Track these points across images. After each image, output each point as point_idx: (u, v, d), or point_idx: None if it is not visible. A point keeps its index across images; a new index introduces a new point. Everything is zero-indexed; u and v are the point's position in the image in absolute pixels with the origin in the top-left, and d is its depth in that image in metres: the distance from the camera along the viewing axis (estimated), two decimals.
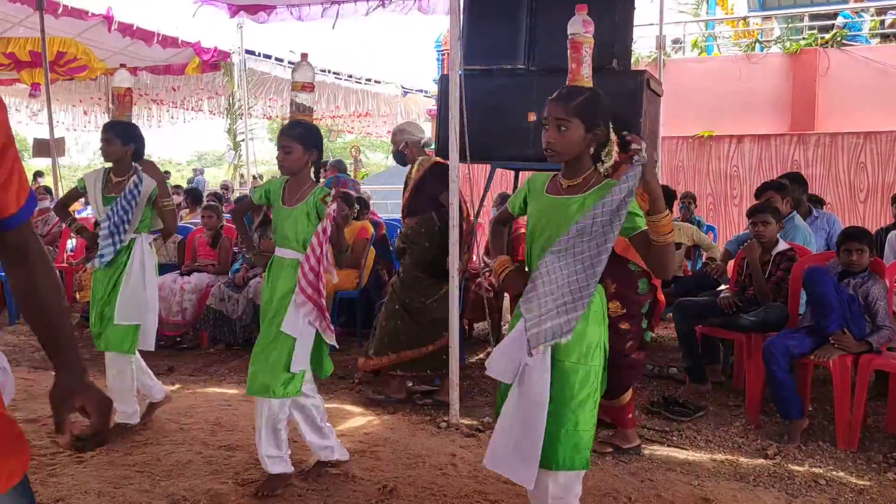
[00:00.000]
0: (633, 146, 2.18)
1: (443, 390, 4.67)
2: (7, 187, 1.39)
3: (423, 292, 4.70)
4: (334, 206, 3.23)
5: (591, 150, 2.33)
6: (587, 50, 2.61)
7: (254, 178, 16.77)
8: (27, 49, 9.32)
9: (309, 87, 3.55)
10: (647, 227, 2.22)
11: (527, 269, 2.46)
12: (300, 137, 3.33)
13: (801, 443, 4.06)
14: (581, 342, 2.29)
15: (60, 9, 8.49)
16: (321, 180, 3.47)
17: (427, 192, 4.67)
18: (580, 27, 2.69)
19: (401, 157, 4.88)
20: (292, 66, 14.58)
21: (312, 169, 3.40)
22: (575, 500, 2.40)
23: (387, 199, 16.28)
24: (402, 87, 16.71)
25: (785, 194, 5.20)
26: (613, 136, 2.34)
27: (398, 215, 5.21)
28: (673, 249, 2.30)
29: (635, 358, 3.79)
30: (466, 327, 6.29)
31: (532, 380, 2.26)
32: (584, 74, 2.60)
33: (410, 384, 4.89)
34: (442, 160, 4.61)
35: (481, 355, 5.91)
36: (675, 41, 12.01)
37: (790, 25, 12.30)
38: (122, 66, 4.31)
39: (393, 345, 4.68)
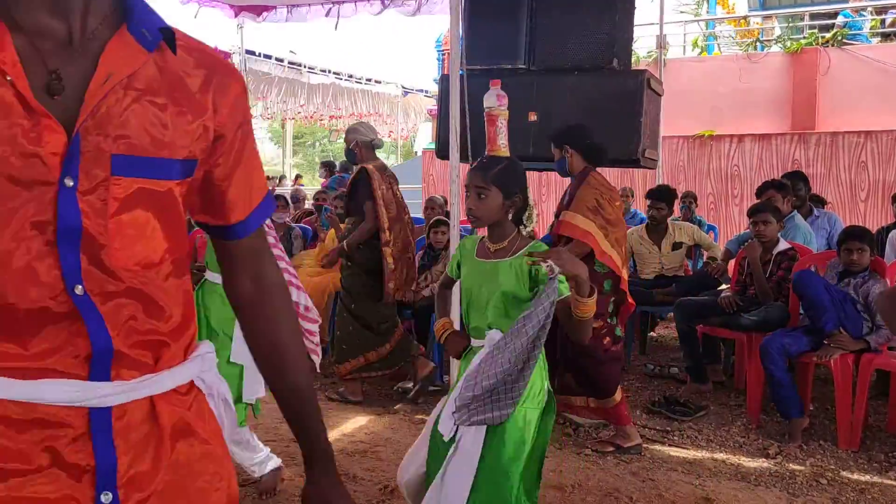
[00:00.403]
0: (545, 266, 2.14)
1: (420, 368, 4.77)
2: (237, 180, 1.10)
3: (367, 295, 4.74)
4: None
5: (510, 215, 2.43)
6: (502, 122, 2.80)
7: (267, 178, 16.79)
8: None
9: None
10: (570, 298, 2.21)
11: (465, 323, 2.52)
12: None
13: (802, 442, 4.06)
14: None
15: None
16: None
17: (357, 197, 4.75)
18: (494, 101, 2.88)
19: (351, 155, 4.89)
20: (293, 66, 14.62)
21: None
22: None
23: None
24: (403, 87, 16.74)
25: (786, 193, 5.19)
26: (532, 202, 2.54)
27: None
28: (590, 325, 2.29)
29: (614, 350, 3.95)
30: None
31: (466, 437, 2.24)
32: (500, 144, 2.80)
33: (396, 387, 4.97)
34: (370, 167, 4.68)
35: None
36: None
37: (791, 25, 12.30)
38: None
39: (353, 350, 4.73)
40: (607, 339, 3.89)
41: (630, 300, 4.02)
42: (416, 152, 21.53)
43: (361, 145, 4.74)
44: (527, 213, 2.52)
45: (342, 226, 5.05)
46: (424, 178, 11.65)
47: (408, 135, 19.82)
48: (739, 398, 4.81)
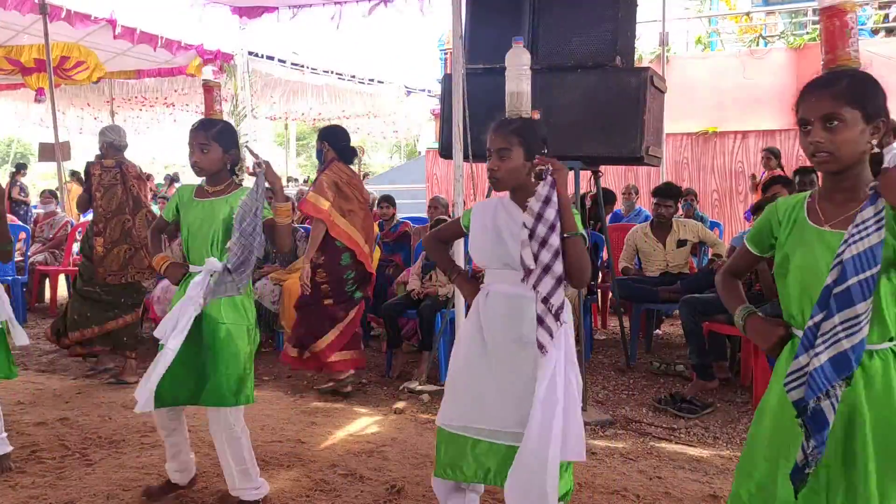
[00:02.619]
0: (254, 164, 2.86)
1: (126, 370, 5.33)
2: None
3: (88, 277, 5.31)
4: None
5: (228, 166, 3.03)
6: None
7: None
8: (31, 56, 9.40)
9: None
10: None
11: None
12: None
13: None
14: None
15: (64, 13, 8.51)
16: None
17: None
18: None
19: (103, 155, 5.35)
20: (295, 67, 14.63)
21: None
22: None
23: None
24: (406, 87, 16.72)
25: (792, 189, 5.20)
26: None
27: (409, 214, 5.28)
28: (287, 231, 3.01)
29: (328, 306, 4.80)
30: None
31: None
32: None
33: (402, 387, 5.02)
34: (93, 164, 5.29)
35: None
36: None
37: (794, 20, 12.27)
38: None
39: (75, 324, 5.27)
40: (329, 300, 4.80)
41: (370, 269, 4.95)
42: (419, 152, 21.54)
43: (107, 146, 5.32)
44: (238, 166, 3.06)
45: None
46: (428, 177, 11.66)
47: (411, 135, 19.81)
48: (746, 395, 4.80)
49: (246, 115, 13.70)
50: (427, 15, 7.20)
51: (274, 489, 3.37)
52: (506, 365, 2.41)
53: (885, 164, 1.85)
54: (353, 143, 5.07)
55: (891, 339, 1.78)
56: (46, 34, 7.06)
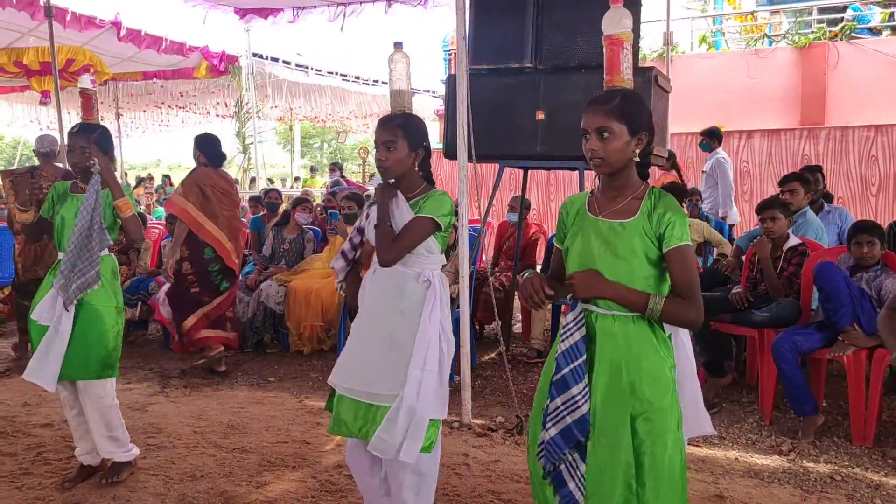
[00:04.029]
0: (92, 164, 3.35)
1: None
2: None
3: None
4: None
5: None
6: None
7: (269, 181, 16.85)
8: (37, 59, 9.44)
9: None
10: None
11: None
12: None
13: (815, 439, 4.04)
14: None
15: (69, 15, 8.53)
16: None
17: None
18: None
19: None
20: (300, 68, 14.64)
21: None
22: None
23: None
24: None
25: (808, 188, 5.22)
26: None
27: None
28: (131, 222, 3.43)
29: (195, 293, 5.37)
30: (477, 328, 6.29)
31: None
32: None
33: None
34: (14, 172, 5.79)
35: (493, 355, 5.91)
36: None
37: (798, 20, 12.24)
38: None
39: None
40: (194, 289, 5.37)
41: (231, 264, 5.44)
42: None
43: (39, 155, 5.89)
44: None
45: (347, 228, 5.59)
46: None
47: None
48: (752, 395, 4.79)
49: (251, 116, 13.73)
50: (430, 10, 7.20)
51: (279, 490, 3.37)
52: (386, 334, 2.64)
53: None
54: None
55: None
56: (52, 37, 7.09)
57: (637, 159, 2.15)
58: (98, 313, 3.39)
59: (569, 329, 2.12)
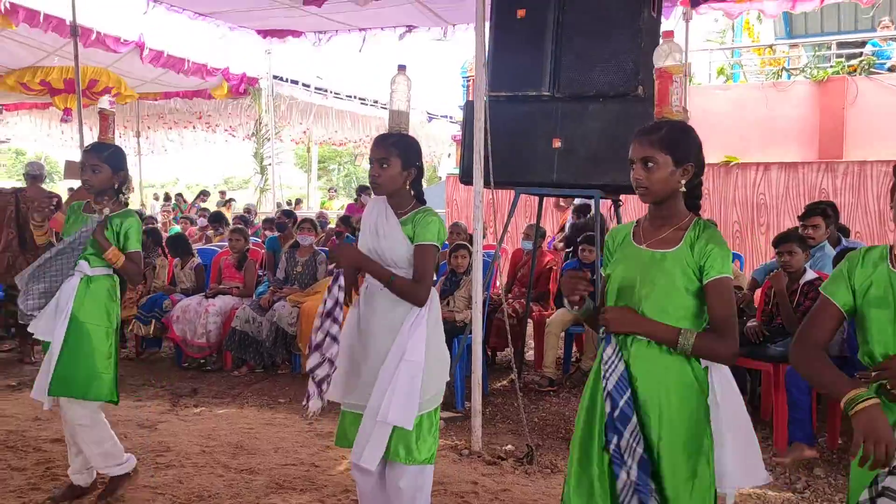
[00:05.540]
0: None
1: None
2: None
3: None
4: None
5: (115, 185, 3.46)
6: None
7: (289, 202, 16.96)
8: (61, 78, 9.61)
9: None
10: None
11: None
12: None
13: (830, 477, 3.98)
14: None
15: (94, 35, 8.67)
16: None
17: None
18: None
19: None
20: (319, 91, 14.76)
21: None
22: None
23: None
24: (428, 113, 16.82)
25: (828, 222, 5.19)
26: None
27: None
28: (130, 267, 3.40)
29: None
30: (489, 354, 6.26)
31: None
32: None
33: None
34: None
35: (504, 382, 5.87)
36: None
37: (817, 53, 12.24)
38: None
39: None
40: None
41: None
42: (440, 177, 21.63)
43: (28, 177, 6.83)
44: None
45: None
46: (448, 202, 11.67)
47: (432, 160, 19.89)
48: (766, 430, 4.72)
49: (269, 138, 13.84)
50: (450, 39, 7.27)
51: None
52: (377, 350, 2.72)
53: None
54: None
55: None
56: (77, 55, 7.20)
57: (683, 189, 2.16)
58: (87, 332, 3.33)
59: (612, 363, 2.11)
